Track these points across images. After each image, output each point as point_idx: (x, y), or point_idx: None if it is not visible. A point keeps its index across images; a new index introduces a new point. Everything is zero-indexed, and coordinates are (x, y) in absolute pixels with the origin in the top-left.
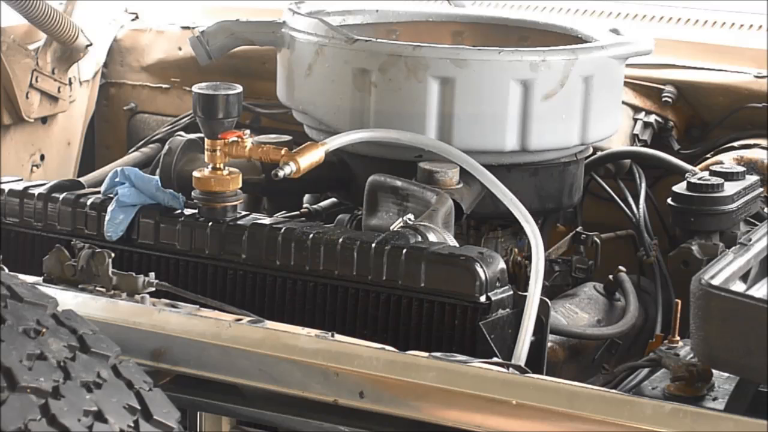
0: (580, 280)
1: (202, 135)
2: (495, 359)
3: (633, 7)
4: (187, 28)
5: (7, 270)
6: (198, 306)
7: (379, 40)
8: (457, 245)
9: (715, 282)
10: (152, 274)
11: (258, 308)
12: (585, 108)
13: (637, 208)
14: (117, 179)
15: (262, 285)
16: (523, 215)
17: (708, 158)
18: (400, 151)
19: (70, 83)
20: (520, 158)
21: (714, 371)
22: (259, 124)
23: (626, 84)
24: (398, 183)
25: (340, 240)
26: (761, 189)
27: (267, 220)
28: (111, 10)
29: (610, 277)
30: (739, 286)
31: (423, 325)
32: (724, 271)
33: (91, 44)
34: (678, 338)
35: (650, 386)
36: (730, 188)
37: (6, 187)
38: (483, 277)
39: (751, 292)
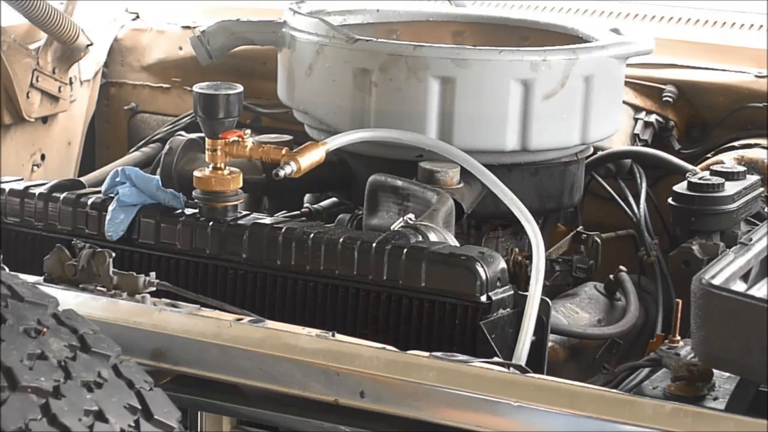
0: (580, 280)
1: (202, 135)
2: (495, 359)
3: (633, 7)
4: (188, 27)
5: (7, 270)
6: (198, 306)
7: (379, 39)
8: (458, 245)
9: (716, 282)
10: (153, 274)
11: (258, 308)
12: (585, 108)
13: (638, 207)
14: (118, 179)
15: (262, 285)
16: (524, 215)
17: (708, 158)
18: (401, 150)
19: (71, 83)
20: (520, 158)
21: (715, 371)
22: (260, 124)
23: (627, 84)
24: (399, 183)
25: (341, 240)
26: (762, 189)
27: (268, 220)
28: (111, 9)
29: (611, 276)
30: (739, 286)
31: (423, 324)
32: (725, 271)
33: (91, 44)
34: (678, 338)
35: (651, 386)
36: (731, 188)
37: (6, 187)
38: (483, 277)
39: (751, 292)
